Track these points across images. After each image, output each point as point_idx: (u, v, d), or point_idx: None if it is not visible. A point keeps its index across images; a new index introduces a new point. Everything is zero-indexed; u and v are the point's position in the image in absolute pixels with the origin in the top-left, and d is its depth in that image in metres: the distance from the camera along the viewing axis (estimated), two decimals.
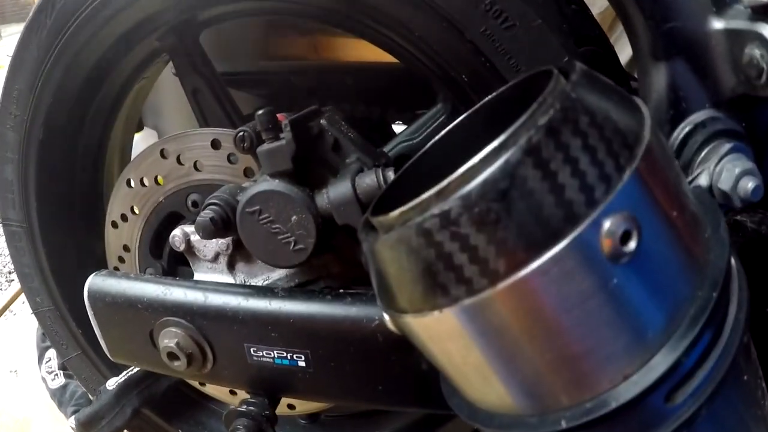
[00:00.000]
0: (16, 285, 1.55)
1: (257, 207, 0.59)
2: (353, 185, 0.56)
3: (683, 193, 0.37)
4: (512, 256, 0.30)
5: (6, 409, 1.23)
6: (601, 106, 0.33)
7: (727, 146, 0.46)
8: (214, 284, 0.69)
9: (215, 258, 0.71)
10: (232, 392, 0.82)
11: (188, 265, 0.74)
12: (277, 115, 0.60)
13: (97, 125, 0.83)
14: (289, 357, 0.64)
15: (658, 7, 0.46)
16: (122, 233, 0.79)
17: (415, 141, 0.72)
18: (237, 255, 0.70)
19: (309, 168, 0.60)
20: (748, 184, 0.45)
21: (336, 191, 0.57)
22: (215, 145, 0.68)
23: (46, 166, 0.81)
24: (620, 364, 0.35)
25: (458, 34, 0.58)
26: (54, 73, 0.75)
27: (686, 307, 0.36)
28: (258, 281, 0.70)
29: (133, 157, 0.93)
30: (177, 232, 0.71)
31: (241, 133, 0.60)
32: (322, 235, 0.59)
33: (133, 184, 0.75)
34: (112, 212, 0.79)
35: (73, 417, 0.92)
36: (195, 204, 0.72)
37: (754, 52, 0.42)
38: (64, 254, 0.86)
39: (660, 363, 0.35)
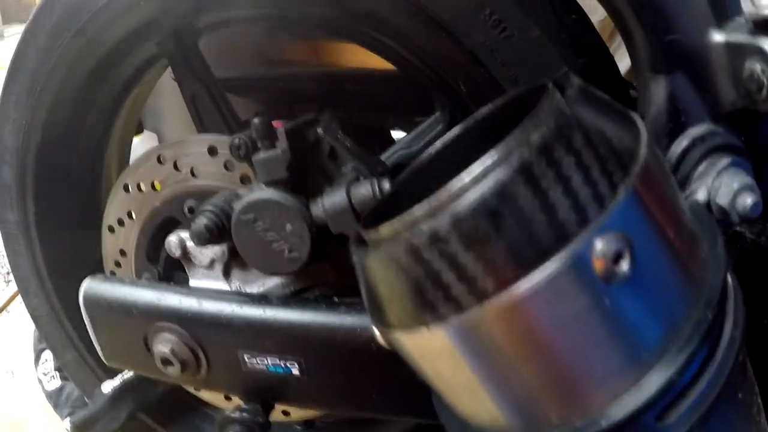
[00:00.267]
0: (14, 286, 1.55)
1: (252, 215, 0.59)
2: (348, 194, 0.56)
3: (680, 211, 0.37)
4: (501, 275, 0.29)
5: (2, 410, 1.23)
6: (597, 122, 0.32)
7: (726, 161, 0.45)
8: (209, 291, 0.69)
9: (211, 264, 0.70)
10: (227, 397, 0.82)
11: (184, 270, 0.74)
12: (273, 122, 0.60)
13: (95, 129, 0.83)
14: (283, 365, 0.64)
15: (658, 19, 0.46)
16: (119, 238, 0.79)
17: (413, 149, 0.72)
18: (233, 262, 0.70)
19: (305, 176, 0.59)
20: (747, 200, 0.44)
21: (331, 200, 0.57)
22: (212, 151, 0.68)
23: (44, 169, 0.81)
24: (612, 384, 0.35)
25: (457, 44, 0.58)
26: (53, 77, 0.75)
27: (680, 326, 0.36)
28: (253, 288, 0.70)
29: (131, 161, 0.93)
30: (173, 238, 0.71)
31: (237, 141, 0.60)
32: (316, 244, 0.58)
33: (130, 189, 0.75)
34: (109, 217, 0.78)
35: (68, 419, 0.91)
36: (191, 210, 0.72)
37: (755, 66, 0.42)
38: (61, 257, 0.86)
39: (652, 382, 0.35)
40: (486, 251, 0.29)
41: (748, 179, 0.45)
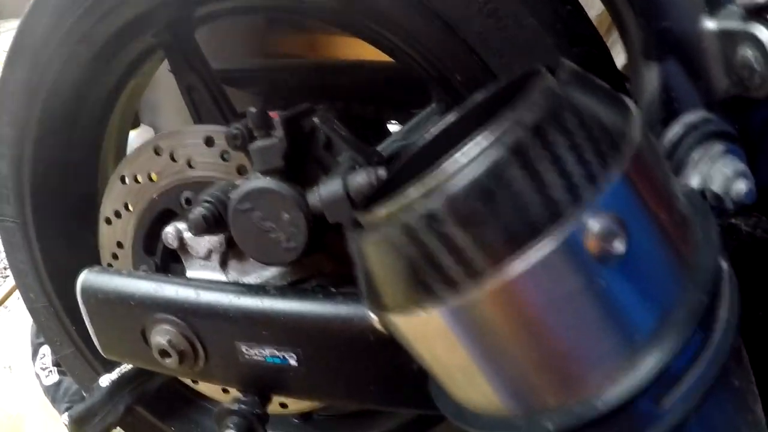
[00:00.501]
0: (11, 281, 1.55)
1: (249, 204, 0.59)
2: (344, 183, 0.56)
3: (673, 195, 0.37)
4: (496, 255, 0.30)
5: (0, 405, 1.23)
6: (589, 105, 0.32)
7: (720, 148, 0.45)
8: (206, 282, 0.69)
9: (208, 255, 0.71)
10: (225, 390, 0.82)
11: (181, 262, 0.74)
12: (270, 113, 0.60)
13: (92, 121, 0.83)
14: (280, 355, 0.64)
15: (650, 6, 0.46)
16: (116, 230, 0.79)
17: (409, 141, 0.72)
18: (230, 252, 0.70)
19: (301, 166, 0.59)
20: (741, 186, 0.44)
21: (327, 189, 0.57)
22: (209, 142, 0.68)
23: (41, 162, 0.81)
24: (608, 367, 0.35)
25: (451, 33, 0.58)
26: (50, 69, 0.75)
27: (675, 310, 0.36)
28: (250, 279, 0.70)
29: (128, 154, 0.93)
30: (170, 229, 0.71)
31: (234, 131, 0.60)
32: (313, 234, 0.58)
33: (126, 180, 0.75)
34: (106, 208, 0.78)
35: (66, 413, 0.91)
36: (188, 201, 0.72)
37: (747, 53, 0.42)
38: (58, 250, 0.86)
39: (648, 365, 0.35)
40: (481, 231, 0.29)
41: (741, 166, 0.45)
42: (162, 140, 0.71)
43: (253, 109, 0.57)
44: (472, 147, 0.30)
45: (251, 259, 0.67)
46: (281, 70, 0.88)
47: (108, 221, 0.79)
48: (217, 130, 0.67)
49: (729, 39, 0.43)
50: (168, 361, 0.68)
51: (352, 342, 0.60)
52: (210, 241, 0.69)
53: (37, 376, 1.10)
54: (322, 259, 0.65)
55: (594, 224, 0.30)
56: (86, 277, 0.72)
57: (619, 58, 0.69)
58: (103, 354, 0.76)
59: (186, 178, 0.71)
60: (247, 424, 0.66)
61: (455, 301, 0.31)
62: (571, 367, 0.35)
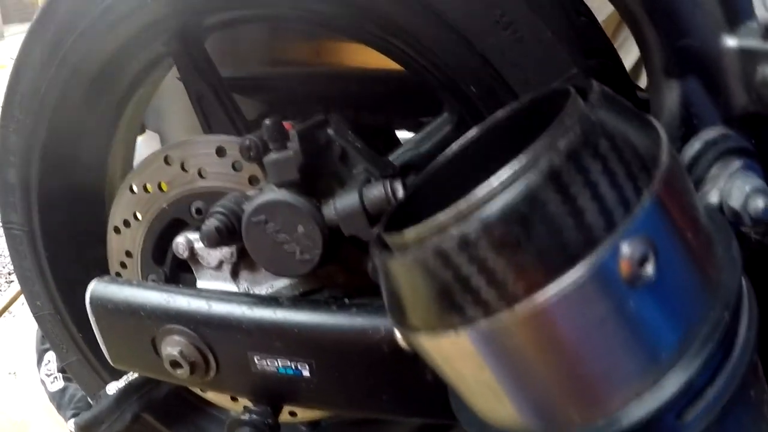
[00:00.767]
0: (16, 286, 1.54)
1: (263, 217, 0.59)
2: (360, 196, 0.56)
3: (698, 214, 0.37)
4: (531, 280, 0.30)
5: (4, 412, 1.23)
6: (620, 127, 0.33)
7: (738, 164, 0.46)
8: (218, 293, 0.69)
9: (219, 266, 0.70)
10: (233, 398, 0.82)
11: (191, 272, 0.74)
12: (284, 123, 0.60)
13: (100, 129, 0.83)
14: (293, 366, 0.64)
15: (671, 23, 0.46)
16: (125, 239, 0.78)
17: (420, 150, 0.72)
18: (241, 263, 0.70)
19: (316, 178, 0.59)
20: (759, 203, 0.45)
21: (343, 202, 0.57)
22: (220, 152, 0.68)
23: (49, 169, 0.80)
24: (633, 384, 0.35)
25: (467, 45, 0.58)
26: (58, 77, 0.75)
27: (699, 327, 0.36)
28: (262, 290, 0.70)
29: (135, 160, 0.93)
30: (180, 240, 0.71)
31: (248, 142, 0.60)
32: (328, 246, 0.58)
33: (136, 189, 0.75)
34: (115, 217, 0.78)
35: (72, 421, 0.91)
36: (199, 211, 0.72)
37: (767, 71, 0.42)
38: (65, 258, 0.86)
39: (673, 382, 0.35)
40: (516, 256, 0.29)
41: (759, 182, 0.45)
42: (172, 150, 0.71)
43: (268, 121, 0.57)
44: (506, 171, 0.30)
45: (262, 270, 0.67)
46: (291, 78, 0.88)
47: (117, 230, 0.78)
48: (229, 141, 0.67)
49: (749, 57, 0.44)
50: (179, 371, 0.68)
51: (366, 353, 0.60)
52: (221, 252, 0.69)
53: (42, 382, 1.09)
54: (335, 270, 0.65)
55: (627, 249, 0.30)
56: (96, 287, 0.71)
57: (628, 59, 0.70)
58: (112, 364, 0.75)
59: (197, 189, 0.71)
60: None
61: (487, 323, 0.31)
62: (598, 386, 0.35)
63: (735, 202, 0.45)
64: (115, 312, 0.70)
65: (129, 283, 0.71)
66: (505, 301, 0.30)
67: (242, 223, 0.61)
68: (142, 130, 1.03)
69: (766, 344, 0.45)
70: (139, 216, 0.76)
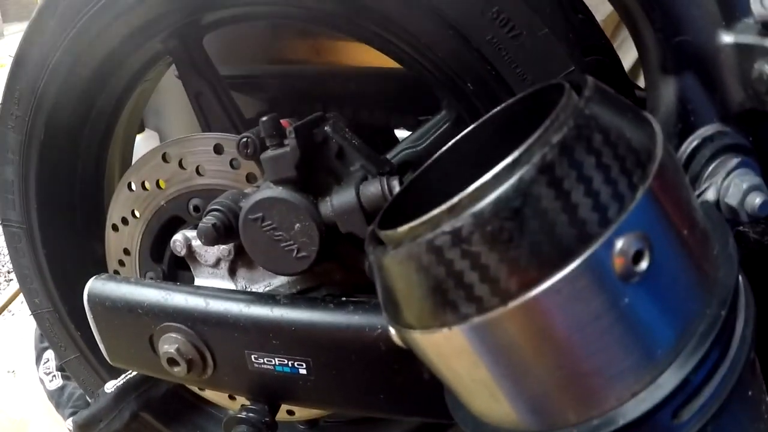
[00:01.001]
0: (15, 285, 1.54)
1: (260, 214, 0.59)
2: (357, 194, 0.56)
3: (694, 210, 0.37)
4: (524, 275, 0.30)
5: (3, 410, 1.23)
6: (614, 122, 0.32)
7: (735, 161, 0.45)
8: (216, 290, 0.69)
9: (216, 263, 0.70)
10: (231, 397, 0.82)
11: (189, 269, 0.74)
12: (281, 121, 0.60)
13: (99, 127, 0.83)
14: (290, 364, 0.64)
15: (668, 20, 0.46)
16: (123, 237, 0.78)
17: (418, 148, 0.72)
18: (238, 261, 0.70)
19: (313, 175, 0.59)
20: (756, 200, 0.44)
21: (340, 199, 0.57)
22: (218, 150, 0.68)
23: (47, 167, 0.80)
24: (629, 382, 0.35)
25: (464, 42, 0.58)
26: (57, 74, 0.75)
27: (695, 325, 0.36)
28: (259, 287, 0.70)
29: (134, 158, 0.93)
30: (178, 237, 0.71)
31: (245, 139, 0.60)
32: (325, 243, 0.58)
33: (134, 187, 0.75)
34: (113, 215, 0.78)
35: (71, 419, 0.91)
36: (196, 209, 0.72)
37: (764, 67, 0.42)
38: (63, 256, 0.86)
39: (668, 380, 0.35)
40: (508, 251, 0.29)
41: (757, 179, 0.45)
42: (171, 147, 0.71)
43: (265, 118, 0.57)
44: (499, 167, 0.30)
45: (260, 268, 0.67)
46: (289, 77, 0.88)
47: (115, 228, 0.78)
48: (227, 138, 0.67)
49: (746, 53, 0.43)
50: (176, 369, 0.68)
51: (363, 351, 0.60)
52: (219, 249, 0.69)
53: (41, 380, 1.09)
54: (332, 267, 0.65)
55: (621, 244, 0.30)
56: (93, 285, 0.71)
57: (627, 59, 0.69)
58: (109, 361, 0.75)
59: (194, 186, 0.71)
60: None
61: (480, 319, 0.31)
62: (592, 383, 0.35)
63: (732, 199, 0.45)
64: (112, 309, 0.70)
65: (126, 280, 0.71)
66: (498, 298, 0.30)
67: (239, 220, 0.60)
68: (141, 129, 1.03)
69: (764, 343, 0.45)
70: (137, 213, 0.76)
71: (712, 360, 0.37)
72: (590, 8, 0.60)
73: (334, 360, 0.62)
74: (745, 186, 0.45)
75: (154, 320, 0.68)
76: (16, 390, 1.27)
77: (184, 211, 0.73)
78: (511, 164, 0.30)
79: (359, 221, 0.56)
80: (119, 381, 0.85)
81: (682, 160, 0.47)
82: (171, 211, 0.74)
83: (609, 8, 0.59)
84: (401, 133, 0.95)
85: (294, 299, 0.64)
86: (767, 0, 0.41)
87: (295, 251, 0.59)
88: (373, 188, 0.55)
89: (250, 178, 0.68)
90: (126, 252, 0.79)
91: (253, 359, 0.65)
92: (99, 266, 0.83)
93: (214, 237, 0.61)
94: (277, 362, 0.64)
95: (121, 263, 0.81)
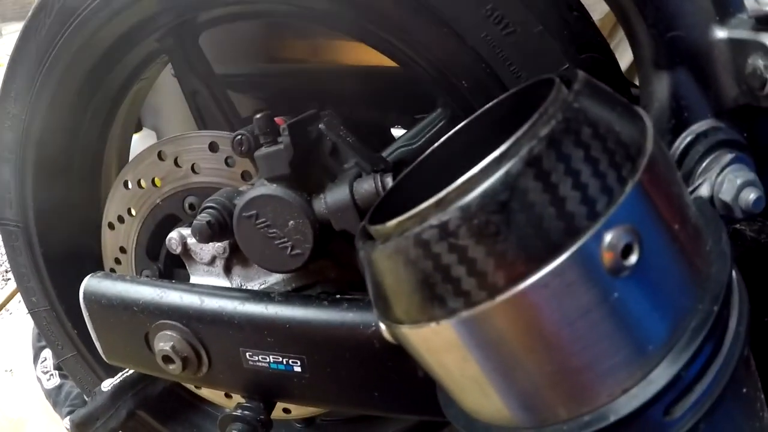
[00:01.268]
0: (12, 284, 1.54)
1: (254, 211, 0.59)
2: (351, 191, 0.56)
3: (685, 205, 0.37)
4: (511, 269, 0.29)
5: (0, 409, 1.23)
6: (604, 116, 0.32)
7: (729, 157, 0.45)
8: (211, 288, 0.69)
9: (212, 261, 0.70)
10: (227, 395, 0.81)
11: (185, 267, 0.74)
12: (276, 118, 0.60)
13: (95, 125, 0.83)
14: (284, 362, 0.64)
15: (660, 15, 0.46)
16: (119, 235, 0.79)
17: (414, 146, 0.72)
18: (234, 258, 0.69)
19: (307, 172, 0.59)
20: (750, 195, 0.44)
21: (334, 196, 0.57)
22: (213, 147, 0.68)
23: (44, 166, 0.80)
24: (620, 378, 0.35)
25: (459, 40, 0.57)
26: (53, 73, 0.75)
27: (687, 320, 0.36)
28: (254, 285, 0.70)
29: (131, 158, 0.93)
30: (174, 235, 0.71)
31: (239, 137, 0.60)
32: (319, 241, 0.58)
33: (130, 185, 0.75)
34: (109, 213, 0.78)
35: (68, 418, 0.91)
36: (192, 207, 0.72)
37: (758, 62, 0.42)
38: (60, 255, 0.86)
39: (660, 376, 0.35)
40: (496, 245, 0.29)
41: (751, 175, 0.45)
42: (166, 145, 0.71)
43: (259, 116, 0.57)
44: (487, 160, 0.30)
45: (255, 265, 0.67)
46: (285, 75, 0.88)
47: (111, 226, 0.78)
48: (222, 136, 0.67)
49: (739, 48, 0.43)
50: (171, 367, 0.68)
51: (358, 349, 0.60)
52: (214, 247, 0.69)
53: (39, 379, 1.09)
54: (326, 265, 0.65)
55: (610, 238, 0.30)
56: (89, 283, 0.71)
57: (625, 58, 0.69)
58: (105, 359, 0.75)
59: (190, 184, 0.71)
60: (251, 431, 0.66)
61: (468, 313, 0.31)
62: (583, 378, 0.35)
63: (726, 195, 0.45)
64: (108, 307, 0.70)
65: (122, 278, 0.71)
66: (485, 292, 0.30)
67: (234, 217, 0.60)
68: (139, 128, 1.03)
69: (759, 340, 0.45)
70: (133, 212, 0.76)
71: (705, 356, 0.36)
72: (587, 8, 0.60)
73: (329, 357, 0.62)
74: (739, 182, 0.44)
75: (150, 318, 0.68)
76: (13, 389, 1.28)
77: (180, 209, 0.73)
78: (498, 158, 0.30)
79: (353, 218, 0.56)
80: (116, 379, 0.85)
81: (675, 155, 0.47)
82: (167, 209, 0.74)
83: (605, 8, 0.59)
84: (397, 132, 0.95)
85: (288, 297, 0.64)
86: None
87: (290, 248, 0.59)
88: (366, 185, 0.55)
89: (245, 176, 0.68)
90: (122, 250, 0.80)
91: (247, 357, 0.65)
92: (95, 264, 0.83)
93: (208, 234, 0.61)
94: (271, 360, 0.64)
95: (118, 261, 0.81)
